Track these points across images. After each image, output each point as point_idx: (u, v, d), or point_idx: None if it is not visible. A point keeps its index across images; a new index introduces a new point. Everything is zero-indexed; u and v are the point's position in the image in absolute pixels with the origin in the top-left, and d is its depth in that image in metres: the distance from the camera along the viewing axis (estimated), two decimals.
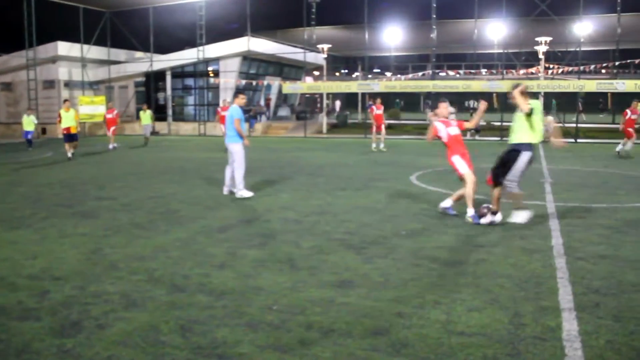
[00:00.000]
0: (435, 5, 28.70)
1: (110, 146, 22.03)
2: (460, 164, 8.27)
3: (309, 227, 7.83)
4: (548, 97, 36.64)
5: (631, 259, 6.23)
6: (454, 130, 8.36)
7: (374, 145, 20.52)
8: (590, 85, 27.61)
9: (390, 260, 6.14)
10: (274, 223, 8.08)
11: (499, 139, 25.40)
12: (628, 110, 18.19)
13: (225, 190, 10.51)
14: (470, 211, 8.05)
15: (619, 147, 18.39)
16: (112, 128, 22.57)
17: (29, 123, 23.14)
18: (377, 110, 20.12)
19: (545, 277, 5.56)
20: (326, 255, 6.29)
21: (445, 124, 8.37)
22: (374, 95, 26.76)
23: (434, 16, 29.09)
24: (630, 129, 17.87)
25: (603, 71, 38.67)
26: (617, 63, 31.64)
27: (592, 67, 36.42)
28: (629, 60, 36.16)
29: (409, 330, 4.28)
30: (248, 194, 10.24)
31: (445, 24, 38.76)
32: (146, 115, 24.33)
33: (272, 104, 38.32)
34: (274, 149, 21.80)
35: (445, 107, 8.52)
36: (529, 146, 7.70)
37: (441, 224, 7.97)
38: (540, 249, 6.59)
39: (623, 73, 33.39)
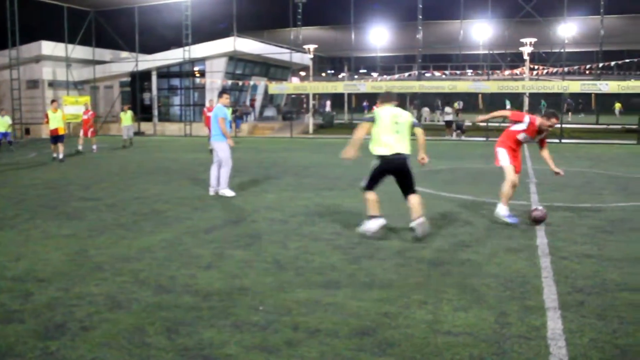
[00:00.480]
0: (421, 6, 28.81)
1: (94, 147, 21.48)
2: (503, 156, 8.09)
3: (295, 227, 7.82)
4: (535, 97, 36.94)
5: (615, 258, 6.30)
6: (522, 137, 8.08)
7: None
8: (575, 86, 27.88)
9: (376, 260, 6.15)
10: (260, 223, 8.06)
11: (484, 139, 25.53)
12: None
13: (211, 191, 10.48)
14: (503, 209, 7.98)
15: None
16: (89, 130, 21.69)
17: (2, 124, 22.68)
18: None
19: (530, 276, 5.60)
20: (312, 255, 6.29)
21: (530, 127, 7.99)
22: (360, 96, 26.76)
23: (420, 17, 29.21)
24: None
25: (587, 72, 39.04)
26: (600, 64, 31.95)
27: (576, 68, 36.75)
28: (612, 62, 36.57)
29: (395, 330, 4.29)
30: (230, 193, 10.23)
31: (431, 25, 39.01)
32: (127, 116, 23.58)
33: (258, 104, 38.26)
34: (260, 150, 21.76)
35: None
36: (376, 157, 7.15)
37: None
38: (525, 249, 6.64)
39: (606, 74, 33.75)
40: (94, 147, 21.58)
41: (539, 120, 7.88)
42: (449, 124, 29.72)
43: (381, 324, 4.38)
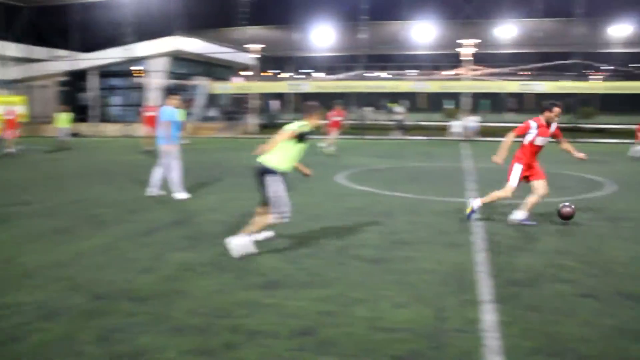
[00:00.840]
0: (365, 7, 29.08)
1: (12, 149, 19.71)
2: (516, 173, 7.99)
3: (236, 228, 7.73)
4: (475, 97, 37.87)
5: (547, 250, 6.54)
6: (541, 141, 7.91)
7: (332, 147, 19.21)
8: (513, 86, 28.76)
9: (316, 259, 6.16)
10: (201, 225, 7.95)
11: (425, 138, 25.98)
12: None
13: (153, 192, 10.26)
14: (475, 204, 8.17)
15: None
16: (13, 131, 19.95)
17: None
18: (337, 116, 19.17)
19: (467, 271, 5.73)
20: (253, 256, 6.24)
21: (540, 128, 7.88)
22: (303, 96, 26.71)
23: (364, 17, 29.47)
24: None
25: (528, 73, 40.32)
26: (538, 65, 33.07)
27: (514, 68, 37.89)
28: (548, 63, 37.86)
29: (335, 328, 4.30)
30: (183, 195, 10.04)
31: (375, 25, 39.34)
32: (63, 118, 22.37)
33: (200, 104, 37.72)
34: (203, 150, 21.47)
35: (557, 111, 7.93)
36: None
37: (367, 222, 8.06)
38: (463, 245, 6.79)
39: (543, 75, 34.92)
40: (11, 149, 19.84)
41: (543, 117, 7.90)
42: (398, 123, 29.96)
43: (321, 323, 4.39)
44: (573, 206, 8.11)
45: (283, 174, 6.34)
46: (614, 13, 34.75)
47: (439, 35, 36.97)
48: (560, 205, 8.18)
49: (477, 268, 5.83)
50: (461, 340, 4.12)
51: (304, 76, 48.46)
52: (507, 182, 8.00)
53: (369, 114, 40.23)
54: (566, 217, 8.03)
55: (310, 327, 4.33)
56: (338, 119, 19.22)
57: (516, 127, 8.11)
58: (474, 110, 30.34)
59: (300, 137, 6.28)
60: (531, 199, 7.94)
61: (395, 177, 13.16)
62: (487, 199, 8.17)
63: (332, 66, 49.47)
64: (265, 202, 6.42)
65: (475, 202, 8.18)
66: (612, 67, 38.22)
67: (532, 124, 7.87)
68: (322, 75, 47.17)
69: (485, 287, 5.23)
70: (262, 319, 4.46)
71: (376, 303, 4.84)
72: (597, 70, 42.20)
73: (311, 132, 6.51)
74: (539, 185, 7.93)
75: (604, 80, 41.47)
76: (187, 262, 6.04)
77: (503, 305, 4.76)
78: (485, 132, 26.66)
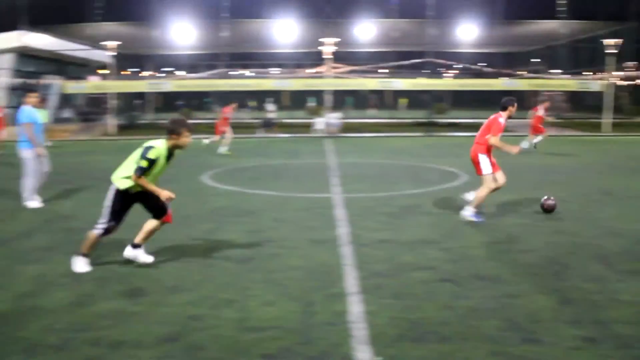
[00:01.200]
0: (226, 4, 28.78)
1: None
2: (485, 163, 8.04)
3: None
4: (337, 94, 38.94)
5: (408, 241, 6.88)
6: (500, 135, 8.12)
7: (225, 148, 18.34)
8: (372, 83, 29.95)
9: (182, 263, 6.00)
10: (56, 234, 7.42)
11: (289, 135, 26.23)
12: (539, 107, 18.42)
13: (34, 204, 9.31)
14: (470, 210, 8.03)
15: (530, 142, 18.26)
16: None
17: None
18: (227, 113, 18.61)
19: (333, 265, 5.87)
20: (114, 264, 5.94)
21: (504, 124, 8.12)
22: (165, 95, 25.86)
23: (225, 15, 29.18)
24: (539, 125, 18.08)
25: (387, 71, 42.11)
26: (396, 63, 34.69)
27: (373, 66, 39.47)
28: (404, 62, 39.85)
29: (203, 332, 4.22)
30: (34, 204, 9.27)
31: (237, 23, 39.15)
32: None
33: (53, 104, 35.32)
34: (57, 154, 20.07)
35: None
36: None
37: (233, 222, 8.00)
38: (327, 240, 6.95)
39: (401, 73, 36.73)
40: None
41: (506, 113, 8.14)
42: (267, 121, 29.76)
43: (188, 328, 4.29)
44: (554, 199, 8.46)
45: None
46: (462, 16, 37.40)
47: (300, 34, 37.63)
48: (543, 198, 8.51)
49: (342, 262, 6.00)
50: (329, 333, 4.22)
51: (164, 75, 47.08)
52: (482, 176, 8.10)
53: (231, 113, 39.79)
54: (549, 210, 8.39)
55: (178, 332, 4.21)
56: (228, 115, 18.81)
57: (491, 128, 8.10)
58: (338, 107, 31.18)
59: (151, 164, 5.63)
60: (480, 193, 8.07)
61: (260, 175, 13.16)
62: (476, 202, 8.10)
63: (194, 64, 48.51)
64: (152, 213, 5.99)
65: (469, 213, 8.04)
66: (462, 66, 41.08)
67: (502, 120, 8.11)
68: (183, 73, 46.03)
69: (350, 280, 5.39)
70: (127, 329, 4.26)
71: (244, 303, 4.81)
72: (449, 68, 45.16)
73: (171, 155, 5.89)
74: (500, 176, 8.19)
75: (456, 77, 44.56)
76: (41, 275, 5.61)
77: (368, 296, 4.94)
78: (348, 128, 27.48)
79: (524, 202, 9.24)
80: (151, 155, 5.63)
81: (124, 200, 5.81)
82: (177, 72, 48.65)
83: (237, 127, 30.89)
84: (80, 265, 5.75)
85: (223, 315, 4.54)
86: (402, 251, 6.43)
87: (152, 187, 5.69)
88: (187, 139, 5.81)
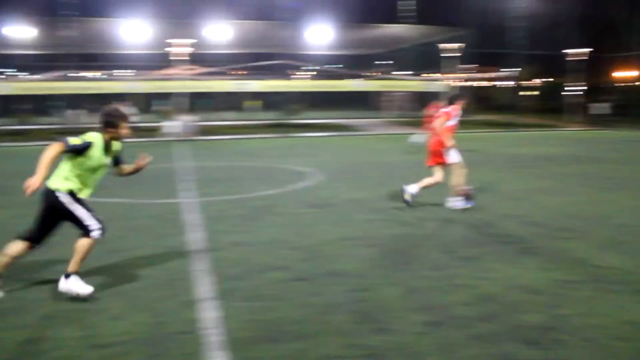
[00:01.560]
0: (69, 1, 27.01)
1: None
2: (450, 153, 8.55)
3: None
4: (193, 96, 38.12)
5: (260, 242, 6.88)
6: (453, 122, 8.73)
7: None
8: (228, 85, 29.72)
9: (20, 283, 5.44)
10: None
11: (139, 140, 25.11)
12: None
13: None
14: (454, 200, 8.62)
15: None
16: None
17: None
18: None
19: (185, 272, 5.70)
20: None
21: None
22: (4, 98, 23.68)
23: (66, 12, 27.40)
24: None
25: (245, 72, 42.01)
26: (250, 65, 34.75)
27: (228, 68, 39.20)
28: (259, 63, 40.01)
29: (43, 355, 3.90)
30: None
31: (81, 22, 36.85)
32: None
33: None
34: None
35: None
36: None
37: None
38: (180, 246, 6.75)
39: (256, 74, 36.83)
40: None
41: (458, 104, 8.83)
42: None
43: (25, 353, 3.93)
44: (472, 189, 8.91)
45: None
46: (315, 19, 38.25)
47: (151, 34, 36.30)
48: (466, 188, 8.84)
49: (195, 267, 5.85)
50: (182, 342, 4.09)
51: (3, 76, 43.23)
52: (452, 165, 8.65)
53: (80, 118, 37.15)
54: (468, 197, 8.75)
55: (12, 359, 3.85)
56: None
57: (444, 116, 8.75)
58: (194, 109, 30.52)
59: (77, 152, 4.91)
60: (455, 181, 8.61)
61: (108, 183, 12.46)
62: (456, 191, 8.61)
63: (32, 65, 44.86)
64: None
65: (456, 202, 8.62)
66: (317, 68, 42.11)
67: (452, 112, 8.71)
68: (24, 75, 42.54)
69: (203, 286, 5.27)
70: None
71: (90, 319, 4.51)
72: (302, 69, 46.10)
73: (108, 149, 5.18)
74: (438, 171, 8.73)
75: (311, 79, 45.62)
76: None
77: (222, 301, 4.86)
78: (206, 130, 26.98)
79: (375, 199, 9.65)
80: (86, 138, 4.94)
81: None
82: (20, 74, 44.94)
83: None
84: (81, 285, 4.97)
85: (64, 334, 4.22)
86: (256, 253, 6.41)
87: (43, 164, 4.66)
88: (125, 130, 5.21)
